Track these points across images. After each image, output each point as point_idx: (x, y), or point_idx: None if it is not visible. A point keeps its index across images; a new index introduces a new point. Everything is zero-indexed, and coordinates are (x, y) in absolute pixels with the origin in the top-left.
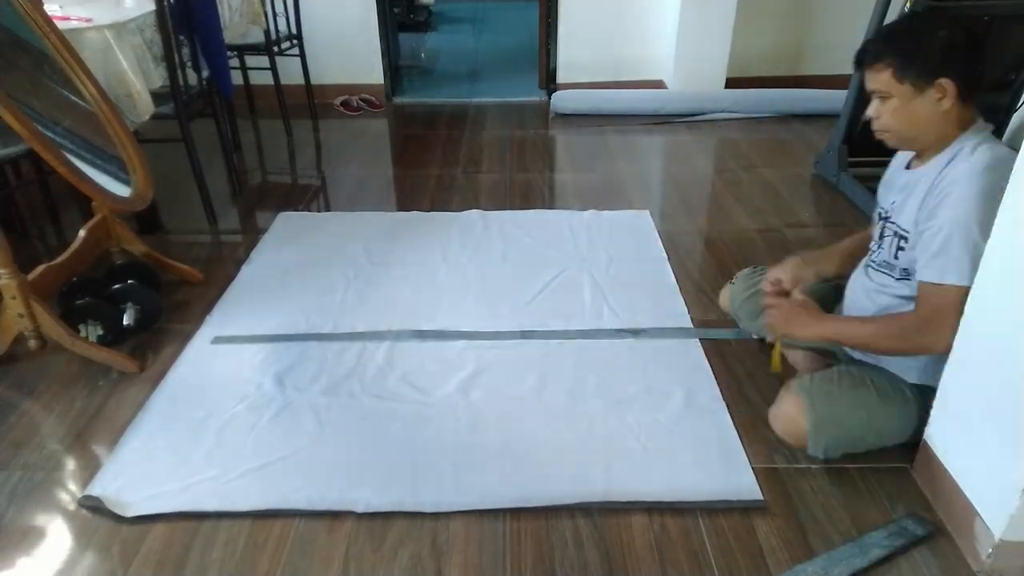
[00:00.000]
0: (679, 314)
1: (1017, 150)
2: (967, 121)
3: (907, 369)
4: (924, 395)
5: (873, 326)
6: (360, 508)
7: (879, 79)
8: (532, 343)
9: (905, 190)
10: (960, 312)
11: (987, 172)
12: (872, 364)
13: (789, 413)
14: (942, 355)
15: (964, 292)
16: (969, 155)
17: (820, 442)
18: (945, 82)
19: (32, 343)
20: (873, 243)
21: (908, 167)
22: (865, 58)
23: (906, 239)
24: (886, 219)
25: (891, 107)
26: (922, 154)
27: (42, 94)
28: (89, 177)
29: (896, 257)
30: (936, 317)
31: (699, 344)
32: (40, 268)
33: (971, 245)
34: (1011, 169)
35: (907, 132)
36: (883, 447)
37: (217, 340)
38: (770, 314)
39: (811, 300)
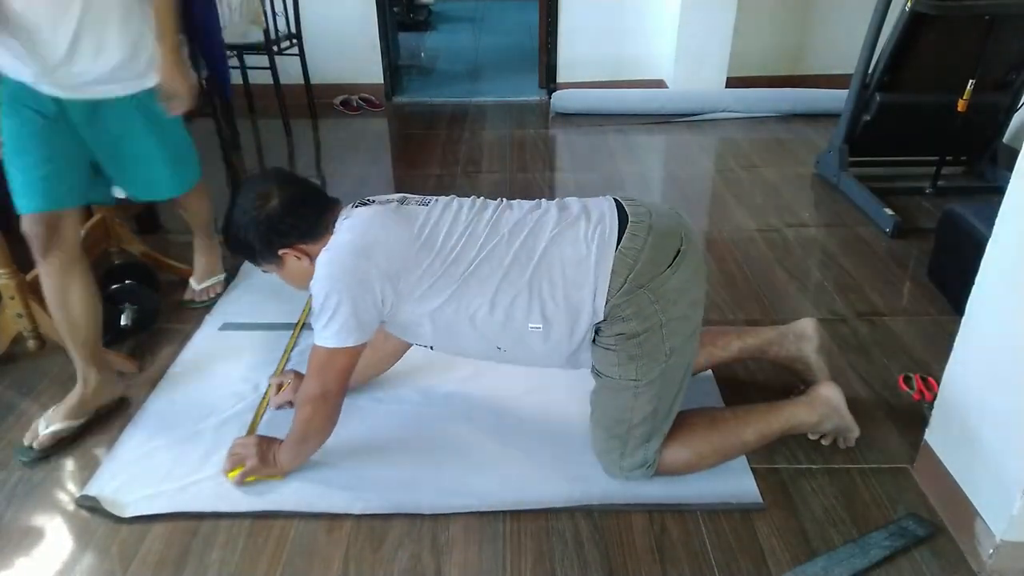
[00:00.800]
0: None
1: (1018, 150)
2: (328, 237)
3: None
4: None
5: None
6: (358, 510)
7: (255, 266)
8: None
9: None
10: (334, 372)
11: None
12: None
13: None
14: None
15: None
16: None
17: (650, 451)
18: (287, 252)
19: (31, 343)
20: None
21: None
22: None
23: None
24: None
25: (282, 277)
26: None
27: None
28: None
29: None
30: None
31: None
32: None
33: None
34: (345, 255)
35: (297, 284)
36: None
37: (226, 327)
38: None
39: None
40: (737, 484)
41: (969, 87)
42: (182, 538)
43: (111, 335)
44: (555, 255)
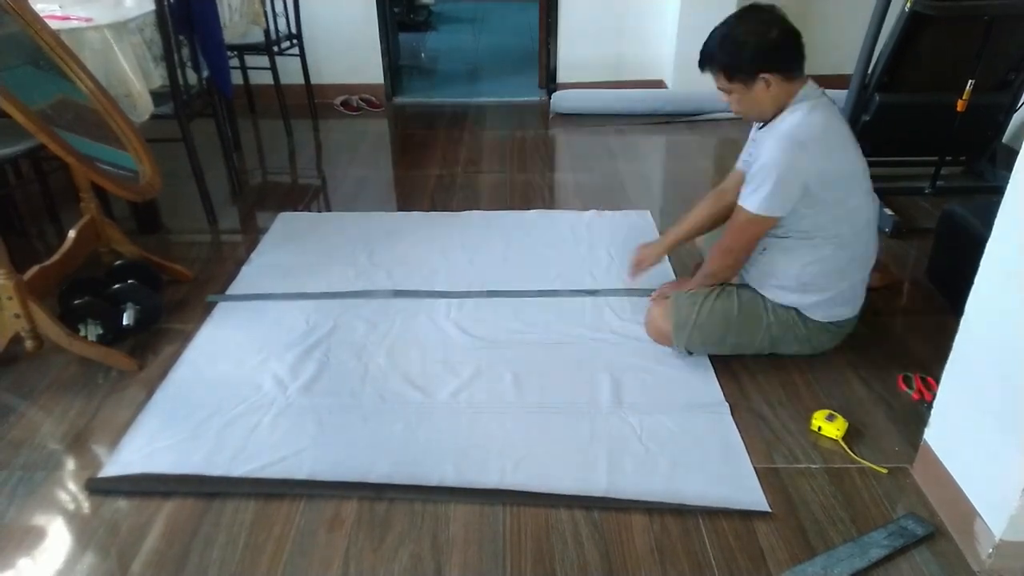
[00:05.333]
0: None
1: (1017, 150)
2: (795, 91)
3: (780, 294)
4: (788, 314)
5: (710, 257)
6: (373, 478)
7: (718, 81)
8: (534, 346)
9: (756, 146)
10: (748, 234)
11: (786, 134)
12: (750, 287)
13: (655, 317)
14: (817, 288)
15: (752, 218)
16: (783, 120)
17: (681, 339)
18: (766, 76)
19: (29, 344)
20: None
21: (761, 127)
22: (702, 67)
23: None
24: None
25: (735, 98)
26: (769, 121)
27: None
28: (100, 164)
29: None
30: (733, 232)
31: None
32: (34, 269)
33: (768, 185)
34: (818, 123)
35: (752, 113)
36: (744, 353)
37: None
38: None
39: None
40: (743, 490)
41: (968, 87)
42: (182, 538)
43: (112, 334)
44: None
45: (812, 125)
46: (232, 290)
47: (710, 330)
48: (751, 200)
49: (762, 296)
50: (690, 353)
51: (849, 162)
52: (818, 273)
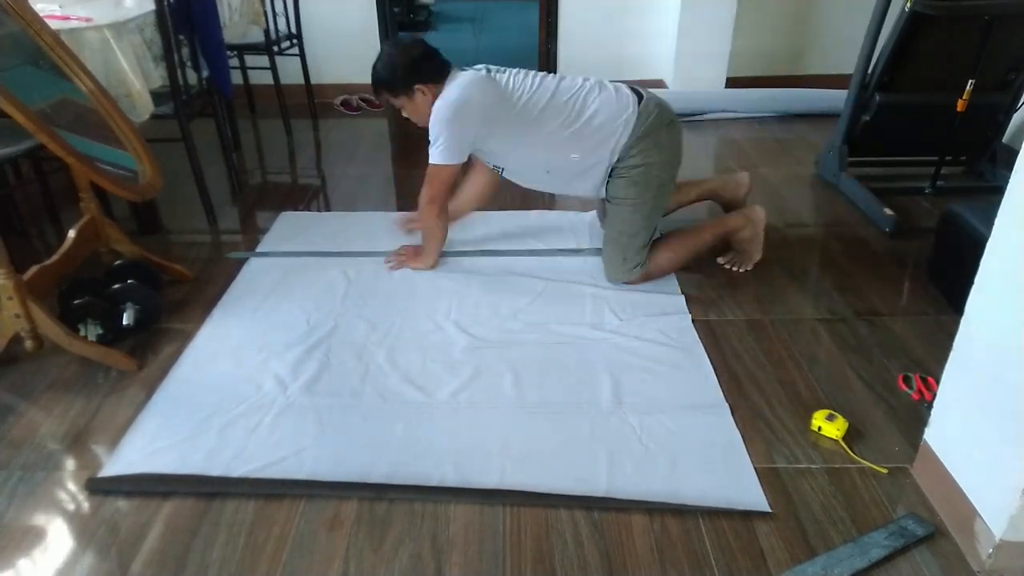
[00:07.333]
0: (680, 312)
1: (1017, 150)
2: (443, 86)
3: (586, 184)
4: (631, 172)
5: (421, 215)
6: (374, 478)
7: (389, 100)
8: (534, 346)
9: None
10: (439, 182)
11: (435, 111)
12: (608, 199)
13: (629, 272)
14: (574, 162)
15: (438, 168)
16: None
17: (641, 255)
18: (421, 87)
19: (29, 344)
20: None
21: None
22: (376, 94)
23: None
24: None
25: (407, 111)
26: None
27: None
28: (100, 164)
29: None
30: (429, 185)
31: (701, 345)
32: (34, 269)
33: (439, 143)
34: (453, 96)
35: (422, 118)
36: (664, 216)
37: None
38: (398, 263)
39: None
40: (743, 490)
41: (969, 87)
42: (182, 538)
43: (112, 334)
44: (596, 114)
45: (449, 101)
46: (233, 289)
47: (646, 232)
48: (432, 156)
49: (607, 189)
50: (649, 254)
51: (501, 97)
52: (556, 155)
